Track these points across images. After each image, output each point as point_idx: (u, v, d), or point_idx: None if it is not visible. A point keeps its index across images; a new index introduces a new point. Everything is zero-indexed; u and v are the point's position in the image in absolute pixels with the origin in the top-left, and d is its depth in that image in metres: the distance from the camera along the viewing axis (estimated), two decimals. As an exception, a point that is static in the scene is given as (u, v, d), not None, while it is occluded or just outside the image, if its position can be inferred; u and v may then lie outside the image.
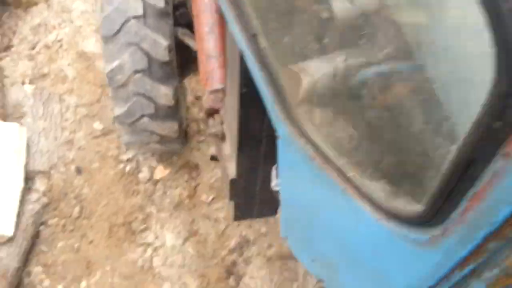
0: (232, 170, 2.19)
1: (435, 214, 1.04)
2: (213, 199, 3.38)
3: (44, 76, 3.81)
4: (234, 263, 3.13)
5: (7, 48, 3.90)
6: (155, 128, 2.96)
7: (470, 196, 0.94)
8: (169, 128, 3.00)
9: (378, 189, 1.23)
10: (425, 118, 1.20)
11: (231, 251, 3.17)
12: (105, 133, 3.62)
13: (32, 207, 3.06)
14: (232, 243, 3.19)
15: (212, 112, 2.44)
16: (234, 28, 1.53)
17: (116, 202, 3.32)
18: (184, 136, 3.22)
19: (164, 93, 2.76)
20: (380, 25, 1.28)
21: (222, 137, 2.32)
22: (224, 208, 3.39)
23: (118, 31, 2.59)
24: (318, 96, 1.34)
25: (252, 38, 1.43)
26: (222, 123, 2.38)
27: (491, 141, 0.86)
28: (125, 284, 3.00)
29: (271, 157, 2.13)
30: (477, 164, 0.90)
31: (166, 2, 2.63)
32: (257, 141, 2.04)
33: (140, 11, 2.57)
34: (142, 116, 2.88)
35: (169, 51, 2.65)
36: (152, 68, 2.68)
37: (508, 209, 0.91)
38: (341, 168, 1.31)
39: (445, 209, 1.01)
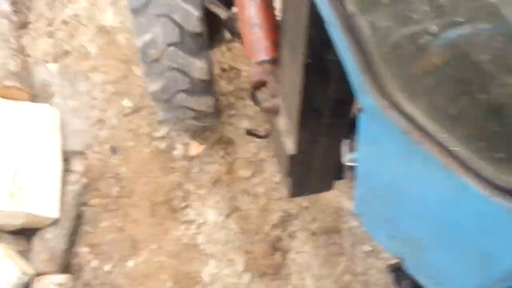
0: (290, 145, 2.11)
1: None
2: (251, 174, 3.33)
3: (66, 53, 3.73)
4: (278, 238, 3.09)
5: (25, 25, 3.78)
6: (191, 104, 2.88)
7: None
8: (205, 103, 2.92)
9: (488, 163, 1.16)
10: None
11: (275, 226, 3.13)
12: (135, 110, 3.55)
13: (72, 188, 3.02)
14: (275, 218, 3.15)
15: (258, 86, 2.36)
16: None
17: (155, 180, 3.27)
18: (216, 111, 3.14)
19: (199, 67, 2.66)
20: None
21: (276, 112, 2.24)
22: (263, 183, 3.34)
23: (147, 2, 2.48)
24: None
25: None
26: (273, 96, 2.29)
27: None
28: (172, 262, 2.98)
29: (333, 131, 2.07)
30: None
31: None
32: (318, 114, 1.96)
33: None
34: (178, 91, 2.80)
35: (201, 21, 2.54)
36: (185, 41, 2.58)
37: None
38: (442, 142, 1.24)
39: None
